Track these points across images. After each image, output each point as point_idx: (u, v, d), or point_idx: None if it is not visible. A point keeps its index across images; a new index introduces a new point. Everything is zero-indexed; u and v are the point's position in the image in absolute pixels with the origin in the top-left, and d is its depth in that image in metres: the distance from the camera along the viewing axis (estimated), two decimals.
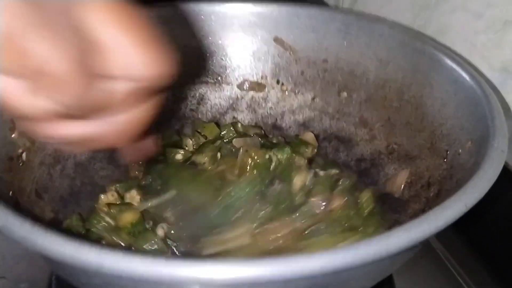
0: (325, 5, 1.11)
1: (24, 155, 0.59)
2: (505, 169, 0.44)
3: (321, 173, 0.66)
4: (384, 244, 0.36)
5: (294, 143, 0.74)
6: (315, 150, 0.74)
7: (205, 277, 0.34)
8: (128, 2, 0.30)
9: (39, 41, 0.25)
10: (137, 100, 0.32)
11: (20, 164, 0.58)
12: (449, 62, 0.61)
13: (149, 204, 0.61)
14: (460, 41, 0.69)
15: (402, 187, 0.65)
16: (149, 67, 0.30)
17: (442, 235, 0.69)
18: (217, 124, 0.77)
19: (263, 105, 0.81)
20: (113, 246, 0.58)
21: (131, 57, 0.29)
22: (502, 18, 0.62)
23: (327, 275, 0.37)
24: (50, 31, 0.26)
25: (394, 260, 0.43)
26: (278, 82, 0.79)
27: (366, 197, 0.62)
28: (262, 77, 0.80)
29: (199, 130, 0.76)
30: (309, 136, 0.76)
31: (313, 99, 0.78)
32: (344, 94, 0.75)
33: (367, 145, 0.73)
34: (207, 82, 0.80)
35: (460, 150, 0.55)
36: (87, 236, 0.59)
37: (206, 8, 0.76)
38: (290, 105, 0.80)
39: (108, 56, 0.28)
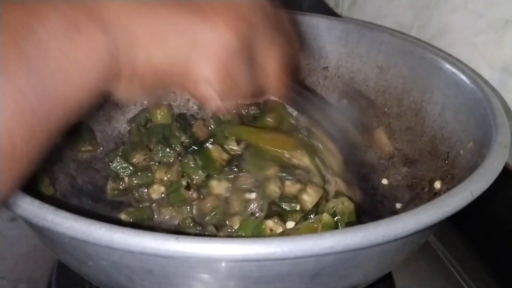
0: (325, 6, 1.12)
1: None
2: (504, 169, 0.44)
3: None
4: (393, 226, 0.36)
5: None
6: None
7: (215, 255, 0.34)
8: None
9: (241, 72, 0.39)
10: None
11: None
12: (449, 67, 0.61)
13: None
14: (460, 41, 0.70)
15: (387, 143, 0.69)
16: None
17: (442, 235, 0.69)
18: None
19: None
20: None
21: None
22: (502, 18, 0.63)
23: (335, 257, 0.38)
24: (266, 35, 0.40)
25: (400, 247, 0.43)
26: None
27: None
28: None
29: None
30: None
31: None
32: (344, 101, 0.75)
33: (368, 151, 0.73)
34: None
35: (462, 151, 0.56)
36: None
37: None
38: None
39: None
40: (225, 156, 0.68)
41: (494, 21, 0.64)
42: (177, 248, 0.33)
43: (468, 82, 0.58)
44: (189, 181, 0.64)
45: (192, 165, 0.65)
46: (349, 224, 0.58)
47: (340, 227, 0.58)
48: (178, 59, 0.35)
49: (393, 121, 0.70)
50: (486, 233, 0.68)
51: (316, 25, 0.75)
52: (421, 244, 0.48)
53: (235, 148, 0.70)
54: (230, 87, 0.38)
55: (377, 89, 0.72)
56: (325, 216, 0.56)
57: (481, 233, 0.69)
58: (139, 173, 0.67)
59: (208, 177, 0.66)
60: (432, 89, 0.64)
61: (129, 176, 0.67)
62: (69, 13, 0.31)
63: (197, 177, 0.65)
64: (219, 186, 0.65)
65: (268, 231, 0.59)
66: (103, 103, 0.72)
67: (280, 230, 0.59)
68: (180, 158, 0.68)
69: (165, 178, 0.66)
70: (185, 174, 0.65)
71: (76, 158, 0.68)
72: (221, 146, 0.69)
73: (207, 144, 0.68)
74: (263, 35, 0.39)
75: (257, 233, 0.59)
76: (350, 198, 0.63)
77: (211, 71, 0.36)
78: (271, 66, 0.42)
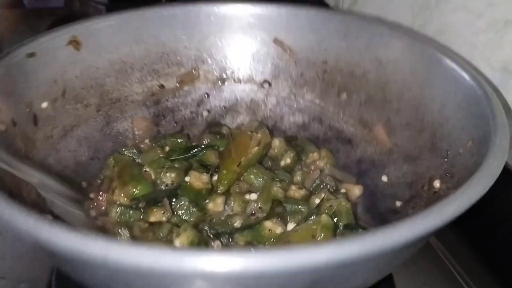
0: (325, 5, 1.11)
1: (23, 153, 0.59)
2: (505, 169, 0.44)
3: None
4: (390, 236, 0.36)
5: None
6: None
7: (211, 269, 0.33)
8: None
9: None
10: None
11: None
12: (449, 62, 0.61)
13: None
14: (460, 41, 0.70)
15: (386, 140, 0.69)
16: None
17: (442, 235, 0.69)
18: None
19: (263, 107, 0.81)
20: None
21: None
22: (502, 18, 0.62)
23: (332, 268, 0.37)
24: None
25: (399, 254, 0.43)
26: (277, 83, 0.80)
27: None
28: (261, 79, 0.80)
29: None
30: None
31: (312, 100, 0.78)
32: (344, 95, 0.75)
33: (367, 146, 0.73)
34: (206, 84, 0.80)
35: (461, 150, 0.55)
36: None
37: (205, 9, 0.76)
38: (290, 107, 0.80)
39: None
40: (205, 178, 0.66)
41: (494, 21, 0.64)
42: (172, 263, 0.33)
43: (467, 78, 0.57)
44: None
45: (185, 207, 0.62)
46: (347, 226, 0.58)
47: (339, 227, 0.58)
48: None
49: (393, 116, 0.69)
50: (486, 233, 0.68)
51: (315, 18, 0.74)
52: (420, 247, 0.48)
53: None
54: None
55: (377, 83, 0.71)
56: (324, 218, 0.56)
57: (481, 233, 0.69)
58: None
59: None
60: (432, 85, 0.63)
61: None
62: None
63: (192, 218, 0.62)
64: (215, 205, 0.64)
65: (267, 232, 0.59)
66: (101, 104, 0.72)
67: (279, 230, 0.59)
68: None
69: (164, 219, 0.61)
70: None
71: (76, 159, 0.68)
72: (196, 171, 0.67)
73: (185, 179, 0.66)
74: None
75: (256, 234, 0.59)
76: (346, 197, 0.64)
77: None
78: None
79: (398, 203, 0.64)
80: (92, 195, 0.66)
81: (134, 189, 0.64)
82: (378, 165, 0.70)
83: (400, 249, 0.37)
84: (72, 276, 0.46)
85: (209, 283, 0.37)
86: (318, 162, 0.72)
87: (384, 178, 0.68)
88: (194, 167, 0.69)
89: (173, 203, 0.62)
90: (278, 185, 0.64)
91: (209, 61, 0.79)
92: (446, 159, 0.58)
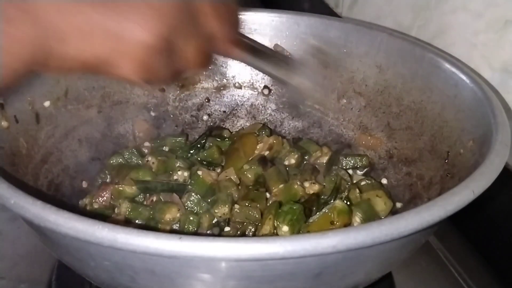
0: (325, 6, 1.12)
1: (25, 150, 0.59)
2: (504, 169, 0.45)
3: None
4: (396, 225, 0.36)
5: None
6: None
7: (218, 255, 0.34)
8: None
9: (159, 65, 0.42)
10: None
11: (23, 159, 0.58)
12: (448, 66, 0.61)
13: None
14: (460, 41, 0.70)
15: (376, 142, 0.72)
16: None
17: (442, 235, 0.69)
18: None
19: (263, 111, 0.81)
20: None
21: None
22: (502, 18, 0.63)
23: (338, 256, 0.38)
24: (184, 32, 0.42)
25: (401, 246, 0.43)
26: (277, 89, 0.80)
27: None
28: (261, 84, 0.81)
29: None
30: None
31: (312, 106, 0.78)
32: (344, 100, 0.75)
33: (367, 151, 0.73)
34: (207, 89, 0.81)
35: (462, 150, 0.56)
36: None
37: None
38: (289, 112, 0.80)
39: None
40: (213, 174, 0.68)
41: (494, 21, 0.64)
42: (180, 248, 0.33)
43: (467, 81, 0.58)
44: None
45: (195, 200, 0.64)
46: None
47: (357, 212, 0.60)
48: (102, 57, 0.39)
49: (393, 121, 0.70)
50: (486, 233, 0.68)
51: (315, 25, 0.75)
52: (422, 243, 0.48)
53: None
54: (151, 77, 0.42)
55: (376, 88, 0.72)
56: (338, 203, 0.58)
57: (481, 233, 0.69)
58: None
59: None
60: (432, 89, 0.64)
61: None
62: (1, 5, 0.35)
63: (201, 210, 0.64)
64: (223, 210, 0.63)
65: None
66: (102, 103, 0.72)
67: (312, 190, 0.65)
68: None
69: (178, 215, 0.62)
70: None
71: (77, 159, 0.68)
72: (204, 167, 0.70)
73: (197, 172, 0.66)
74: (181, 32, 0.42)
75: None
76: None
77: (131, 69, 0.40)
78: (189, 55, 0.44)
79: (398, 205, 0.64)
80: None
81: (137, 175, 0.66)
82: (377, 168, 0.71)
83: (403, 239, 0.38)
84: (75, 268, 0.46)
85: (215, 269, 0.38)
86: (320, 159, 0.73)
87: (384, 181, 0.69)
88: (197, 165, 0.70)
89: (183, 198, 0.64)
90: (298, 183, 0.65)
91: (210, 66, 0.79)
92: (446, 160, 0.58)
